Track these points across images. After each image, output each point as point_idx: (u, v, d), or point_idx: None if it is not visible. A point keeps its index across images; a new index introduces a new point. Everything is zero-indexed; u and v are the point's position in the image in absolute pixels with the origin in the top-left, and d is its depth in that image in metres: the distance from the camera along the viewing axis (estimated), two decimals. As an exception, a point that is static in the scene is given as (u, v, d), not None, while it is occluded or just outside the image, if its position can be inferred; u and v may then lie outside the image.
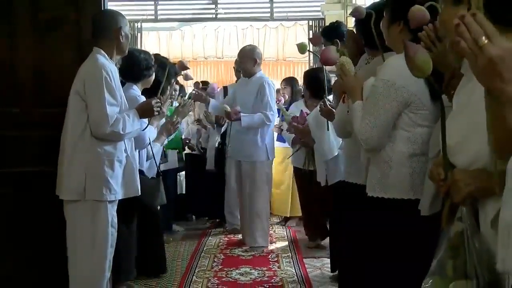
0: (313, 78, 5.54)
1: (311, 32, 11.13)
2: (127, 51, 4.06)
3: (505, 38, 1.67)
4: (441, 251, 2.00)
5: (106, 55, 3.88)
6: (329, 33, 4.50)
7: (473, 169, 1.89)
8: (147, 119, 4.21)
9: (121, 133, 3.78)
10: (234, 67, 7.64)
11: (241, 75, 6.67)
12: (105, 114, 3.71)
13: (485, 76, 1.44)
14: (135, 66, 4.47)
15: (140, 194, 4.08)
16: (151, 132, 4.65)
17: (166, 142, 5.19)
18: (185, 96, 6.30)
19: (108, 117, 3.71)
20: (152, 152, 4.84)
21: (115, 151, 3.83)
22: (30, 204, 4.12)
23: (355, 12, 2.98)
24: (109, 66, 3.84)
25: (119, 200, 3.91)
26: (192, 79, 4.79)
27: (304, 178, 6.12)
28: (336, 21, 5.31)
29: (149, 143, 4.67)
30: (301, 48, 3.86)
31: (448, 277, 1.96)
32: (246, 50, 6.51)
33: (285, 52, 14.09)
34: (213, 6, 11.37)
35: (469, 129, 1.89)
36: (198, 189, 7.32)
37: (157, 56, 5.38)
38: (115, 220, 3.89)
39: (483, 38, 1.41)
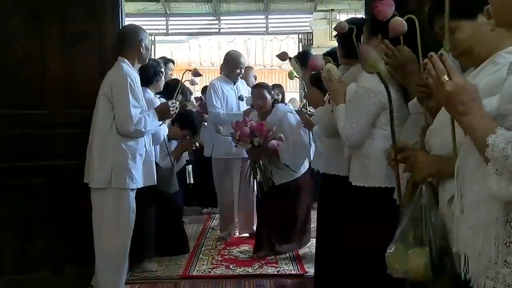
0: (315, 79, 5.30)
1: (300, 44, 11.15)
2: (147, 60, 4.11)
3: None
4: (404, 222, 2.03)
5: (129, 64, 3.91)
6: (301, 58, 4.44)
7: (435, 154, 1.96)
8: None
9: (142, 130, 3.84)
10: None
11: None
12: (129, 115, 3.76)
13: (446, 107, 1.53)
14: (144, 72, 4.46)
15: (156, 183, 4.14)
16: (164, 130, 4.68)
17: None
18: (189, 100, 6.26)
19: (132, 117, 3.76)
20: (167, 148, 4.89)
21: (137, 146, 3.88)
22: (58, 192, 4.13)
23: (339, 26, 2.96)
24: (132, 73, 3.88)
25: (138, 188, 3.93)
26: (197, 84, 4.87)
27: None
28: (304, 50, 5.43)
29: (164, 139, 4.67)
30: (290, 75, 4.32)
31: (409, 244, 1.99)
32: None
33: (279, 61, 14.07)
34: (217, 22, 11.38)
35: (444, 119, 1.88)
36: (203, 180, 7.01)
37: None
38: (134, 205, 3.90)
39: (445, 76, 1.49)
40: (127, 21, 4.63)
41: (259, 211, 5.45)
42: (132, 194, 3.89)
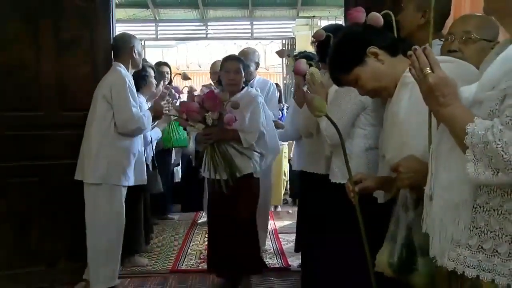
0: None
1: (284, 49, 11.17)
2: (140, 66, 4.18)
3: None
4: (392, 223, 2.05)
5: (124, 68, 3.98)
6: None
7: (420, 163, 1.89)
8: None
9: (142, 128, 3.95)
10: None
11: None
12: (131, 114, 3.84)
13: (427, 98, 1.55)
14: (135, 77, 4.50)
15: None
16: (157, 133, 4.76)
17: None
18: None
19: (134, 116, 3.85)
20: (153, 150, 4.89)
21: (131, 146, 3.94)
22: (52, 190, 4.13)
23: (317, 34, 2.99)
24: (128, 76, 3.97)
25: (129, 187, 3.97)
26: (190, 78, 4.69)
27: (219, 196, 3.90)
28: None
29: (151, 141, 4.68)
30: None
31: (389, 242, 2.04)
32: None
33: (264, 64, 14.09)
34: (204, 27, 11.36)
35: (399, 146, 2.02)
36: (189, 182, 6.94)
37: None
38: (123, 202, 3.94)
39: (427, 68, 1.51)
40: (118, 27, 4.63)
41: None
42: (124, 191, 3.93)
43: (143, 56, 4.26)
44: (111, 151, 3.83)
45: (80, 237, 3.89)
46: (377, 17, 2.24)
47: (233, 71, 4.00)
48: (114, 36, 4.26)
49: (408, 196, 1.96)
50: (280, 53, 3.51)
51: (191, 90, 3.97)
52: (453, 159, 1.51)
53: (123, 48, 4.06)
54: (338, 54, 2.21)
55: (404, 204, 1.96)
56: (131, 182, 3.94)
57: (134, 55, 4.05)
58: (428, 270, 1.85)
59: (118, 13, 6.77)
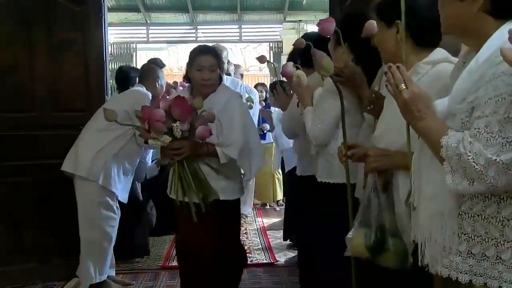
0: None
1: (272, 52, 11.22)
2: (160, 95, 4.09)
3: (419, 56, 1.90)
4: (362, 208, 2.06)
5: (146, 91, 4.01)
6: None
7: (385, 149, 1.99)
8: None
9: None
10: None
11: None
12: None
13: (403, 113, 1.58)
14: (126, 79, 4.51)
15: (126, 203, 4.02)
16: (153, 170, 4.78)
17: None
18: None
19: None
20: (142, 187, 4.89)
21: (131, 167, 3.95)
22: (45, 189, 4.12)
23: (297, 43, 2.97)
24: (149, 96, 3.96)
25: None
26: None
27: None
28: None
29: (145, 178, 4.75)
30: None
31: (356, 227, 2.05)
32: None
33: (251, 67, 14.10)
34: (194, 31, 11.40)
35: (387, 126, 2.03)
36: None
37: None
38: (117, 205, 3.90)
39: (402, 84, 1.55)
40: (110, 30, 4.62)
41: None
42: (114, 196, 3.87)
43: (164, 89, 4.24)
44: (111, 155, 3.76)
45: (72, 235, 3.85)
46: (373, 25, 2.21)
47: (207, 69, 3.11)
48: (106, 40, 4.25)
49: (376, 180, 1.98)
50: (260, 59, 3.51)
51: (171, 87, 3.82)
52: (434, 170, 1.53)
53: (149, 74, 4.13)
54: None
55: (374, 189, 1.97)
56: (118, 193, 3.85)
57: (157, 85, 4.11)
58: (398, 250, 1.88)
59: (110, 16, 6.75)
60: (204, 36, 11.48)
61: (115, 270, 4.16)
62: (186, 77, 3.28)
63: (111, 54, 9.90)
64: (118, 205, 3.90)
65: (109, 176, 3.76)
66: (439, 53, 2.00)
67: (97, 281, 3.84)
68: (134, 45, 11.16)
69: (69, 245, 4.04)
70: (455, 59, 1.96)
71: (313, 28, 9.88)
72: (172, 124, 2.87)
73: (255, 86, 6.99)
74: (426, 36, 1.94)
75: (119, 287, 4.04)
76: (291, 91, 3.33)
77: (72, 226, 3.84)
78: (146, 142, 3.08)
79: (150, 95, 3.96)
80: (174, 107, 2.87)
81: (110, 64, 8.00)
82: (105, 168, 3.75)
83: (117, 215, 3.89)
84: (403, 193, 1.91)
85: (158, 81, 4.12)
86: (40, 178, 4.10)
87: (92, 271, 3.82)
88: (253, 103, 5.59)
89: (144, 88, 4.03)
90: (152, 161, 5.08)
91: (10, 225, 4.07)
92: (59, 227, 4.11)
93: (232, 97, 3.27)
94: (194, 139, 2.97)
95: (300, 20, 10.80)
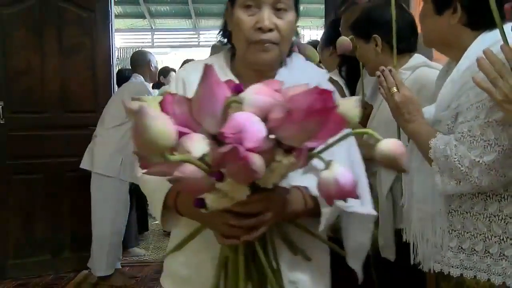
0: None
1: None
2: (156, 79, 4.25)
3: (399, 63, 1.89)
4: None
5: (143, 79, 4.08)
6: None
7: (364, 140, 1.93)
8: None
9: None
10: None
11: None
12: None
13: (394, 115, 1.61)
14: (126, 79, 4.57)
15: None
16: None
17: None
18: None
19: None
20: None
21: None
22: (56, 185, 4.16)
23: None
24: (148, 86, 4.05)
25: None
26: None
27: None
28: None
29: None
30: None
31: None
32: None
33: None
34: (197, 36, 11.42)
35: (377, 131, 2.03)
36: None
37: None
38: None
39: (394, 88, 1.57)
40: (117, 36, 4.66)
41: None
42: (127, 187, 3.95)
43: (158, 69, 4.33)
44: (127, 150, 3.79)
45: (83, 228, 3.92)
46: (347, 42, 2.17)
47: (270, 5, 1.39)
48: (113, 44, 4.31)
49: None
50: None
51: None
52: (424, 172, 1.55)
53: (141, 61, 4.17)
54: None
55: None
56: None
57: (151, 68, 4.16)
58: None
59: (117, 23, 6.78)
60: (206, 41, 11.52)
61: (121, 263, 4.22)
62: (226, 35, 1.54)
63: (117, 58, 9.97)
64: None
65: (127, 170, 3.81)
66: (417, 58, 2.02)
67: (107, 274, 3.91)
68: (139, 49, 11.24)
69: (79, 239, 4.10)
70: (434, 64, 2.00)
71: (309, 33, 9.93)
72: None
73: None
74: (402, 43, 1.91)
75: (125, 278, 4.09)
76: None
77: (83, 221, 3.90)
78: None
79: (147, 85, 4.03)
80: (303, 113, 0.91)
81: (117, 67, 8.07)
82: (124, 163, 3.81)
83: (128, 211, 3.97)
84: (385, 189, 1.94)
85: (151, 65, 4.17)
86: (52, 175, 4.15)
87: (103, 264, 3.88)
88: None
89: (141, 77, 4.06)
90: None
91: (24, 220, 4.11)
92: (70, 222, 4.16)
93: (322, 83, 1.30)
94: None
95: (297, 26, 10.83)
